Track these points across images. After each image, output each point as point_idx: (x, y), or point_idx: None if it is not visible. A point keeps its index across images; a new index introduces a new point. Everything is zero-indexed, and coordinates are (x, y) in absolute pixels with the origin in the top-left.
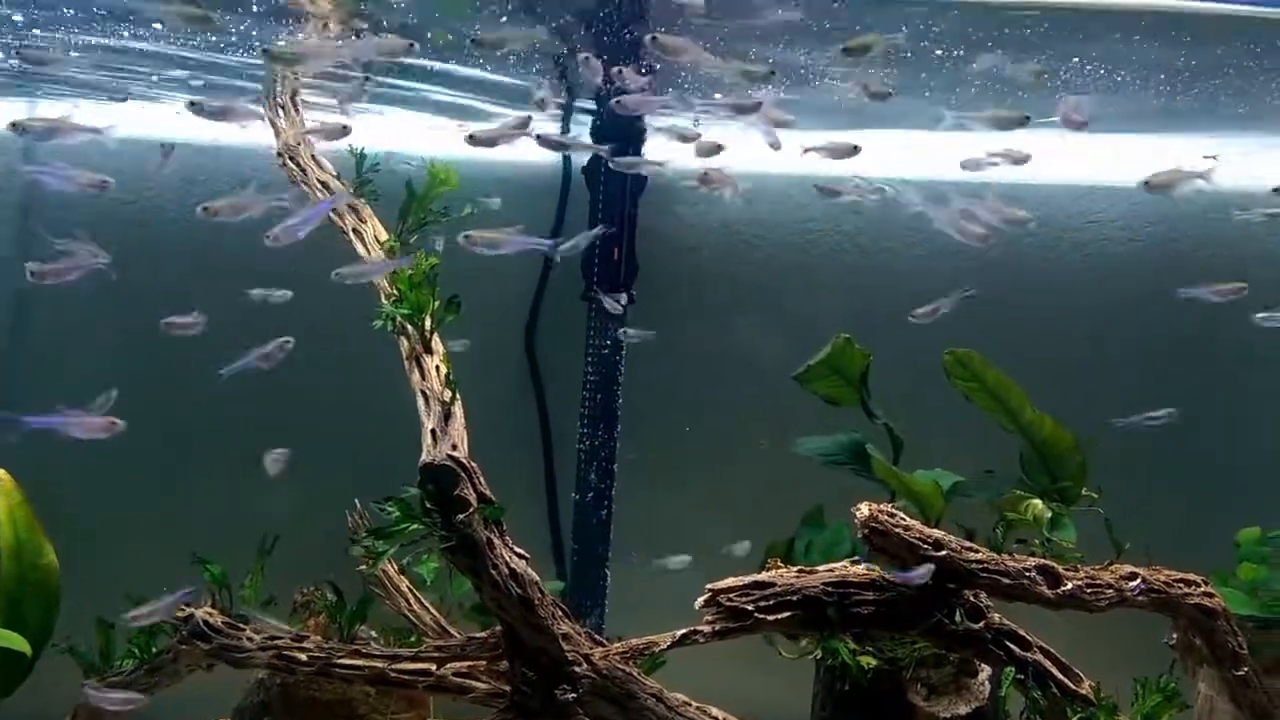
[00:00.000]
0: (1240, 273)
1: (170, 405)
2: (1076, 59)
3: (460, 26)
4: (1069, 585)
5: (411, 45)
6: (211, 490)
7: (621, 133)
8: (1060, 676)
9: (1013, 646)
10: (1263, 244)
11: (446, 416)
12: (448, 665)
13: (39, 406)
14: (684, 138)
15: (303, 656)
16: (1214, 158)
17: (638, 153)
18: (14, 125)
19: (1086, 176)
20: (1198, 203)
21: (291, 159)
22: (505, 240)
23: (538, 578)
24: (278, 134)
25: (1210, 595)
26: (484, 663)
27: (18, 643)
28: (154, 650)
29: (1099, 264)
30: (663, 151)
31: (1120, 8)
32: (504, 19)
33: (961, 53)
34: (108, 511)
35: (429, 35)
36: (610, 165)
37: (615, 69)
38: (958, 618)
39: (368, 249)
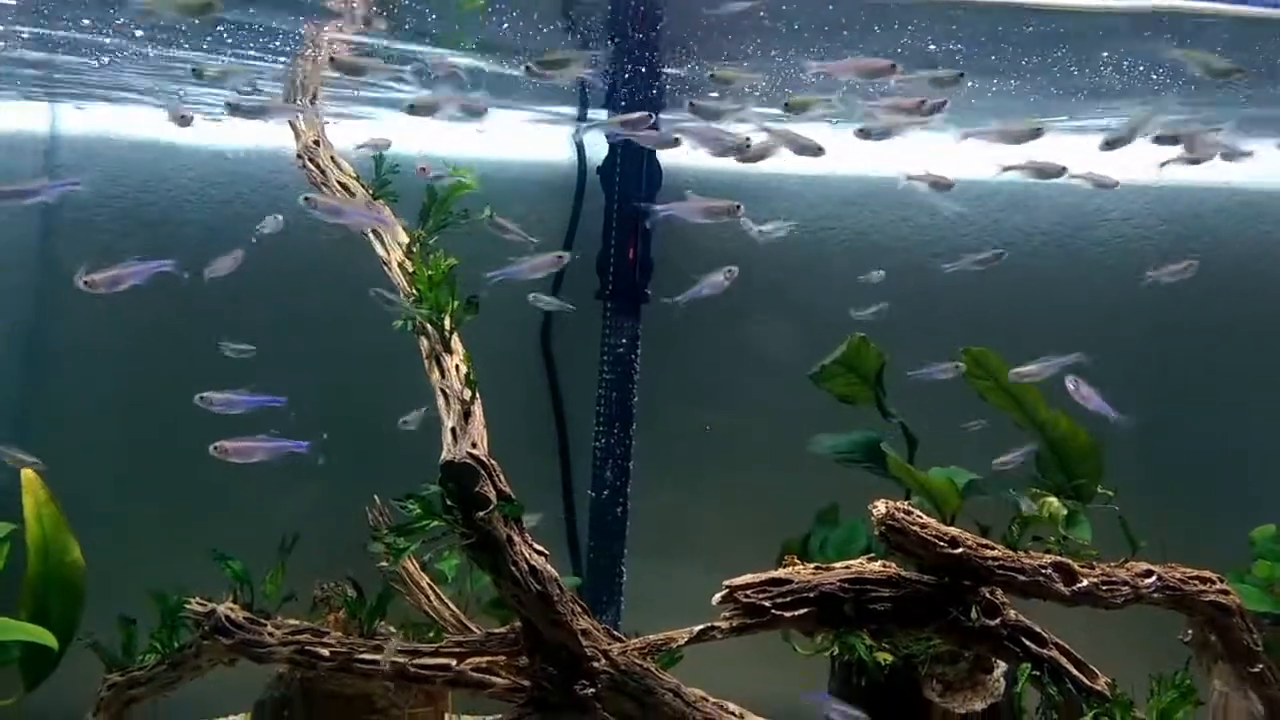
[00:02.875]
0: (1253, 269)
1: (191, 404)
2: (1106, 53)
3: (476, 30)
4: (1085, 582)
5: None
6: (233, 488)
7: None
8: (1076, 673)
9: (1029, 643)
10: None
11: (466, 415)
12: (467, 660)
13: (61, 406)
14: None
15: (324, 652)
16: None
17: (650, 156)
18: None
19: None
20: (1211, 201)
21: (311, 161)
22: (346, 209)
23: (557, 574)
24: (298, 136)
25: (1225, 592)
26: (503, 658)
27: (45, 637)
28: (176, 645)
29: (1113, 262)
30: (676, 153)
31: (1139, 9)
32: (512, 25)
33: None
34: (131, 509)
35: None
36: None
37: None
38: (974, 614)
39: (387, 249)
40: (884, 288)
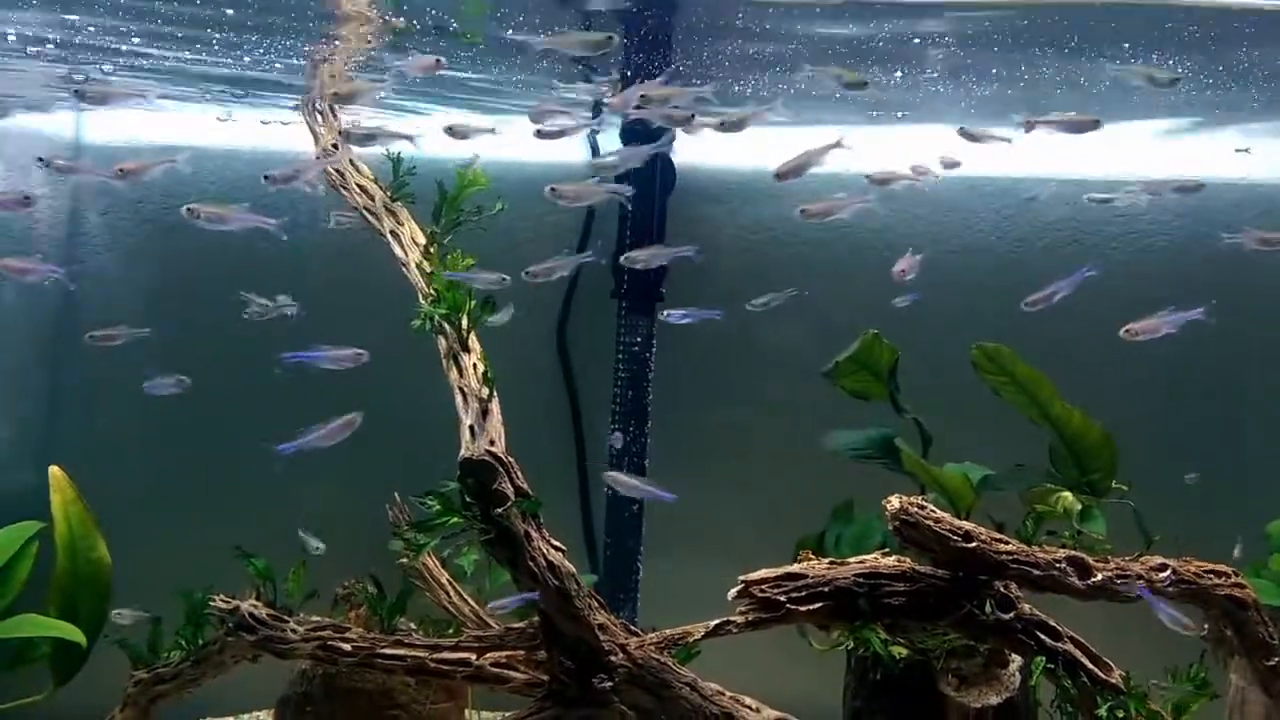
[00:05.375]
0: (1269, 263)
1: (215, 403)
2: (1124, 43)
3: (486, 28)
4: (1099, 576)
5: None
6: (257, 486)
7: (650, 132)
8: (1090, 666)
9: (1043, 636)
10: None
11: (484, 413)
12: (486, 655)
13: (87, 404)
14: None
15: (346, 647)
16: (1247, 150)
17: (664, 155)
18: None
19: (1113, 171)
20: (1226, 197)
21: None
22: (229, 215)
23: (574, 569)
24: (316, 139)
25: (1241, 586)
26: (522, 653)
27: (74, 634)
28: (201, 642)
29: (1126, 258)
30: (690, 153)
31: (1153, 4)
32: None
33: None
34: (157, 507)
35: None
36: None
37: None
38: (988, 608)
39: (405, 250)
40: (898, 286)
